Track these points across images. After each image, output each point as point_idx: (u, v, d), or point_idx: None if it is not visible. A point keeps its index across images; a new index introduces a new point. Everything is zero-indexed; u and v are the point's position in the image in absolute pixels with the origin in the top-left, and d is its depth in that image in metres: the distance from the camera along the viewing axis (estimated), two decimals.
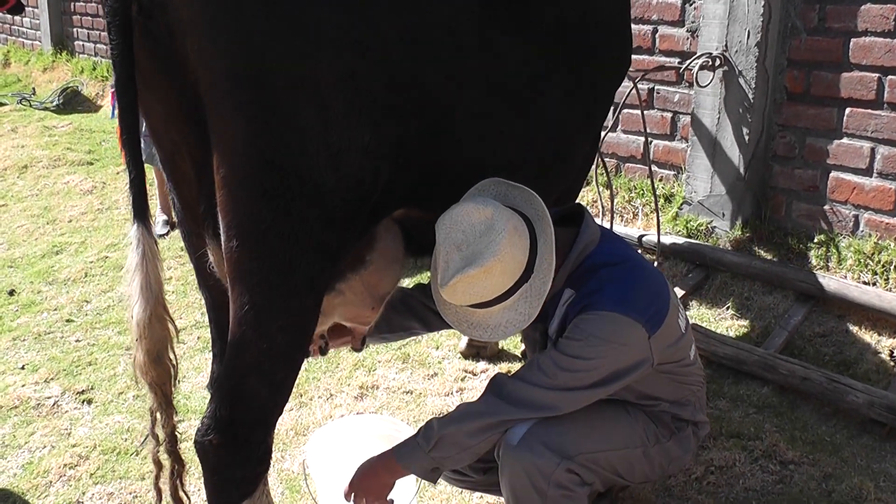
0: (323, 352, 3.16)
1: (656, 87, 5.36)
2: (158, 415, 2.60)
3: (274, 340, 2.47)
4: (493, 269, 2.52)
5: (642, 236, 5.21)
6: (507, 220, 2.54)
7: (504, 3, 2.72)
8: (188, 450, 3.63)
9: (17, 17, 11.70)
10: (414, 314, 3.19)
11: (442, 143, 2.67)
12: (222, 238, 2.41)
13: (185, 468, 2.69)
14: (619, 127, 5.63)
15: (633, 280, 2.68)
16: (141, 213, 2.43)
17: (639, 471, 2.85)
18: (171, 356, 2.55)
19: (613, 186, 5.21)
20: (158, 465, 2.65)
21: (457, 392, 4.18)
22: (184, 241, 2.96)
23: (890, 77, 4.38)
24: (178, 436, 2.68)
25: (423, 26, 2.51)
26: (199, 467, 2.62)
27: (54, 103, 10.22)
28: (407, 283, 4.66)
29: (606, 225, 4.91)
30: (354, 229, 2.56)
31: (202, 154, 2.42)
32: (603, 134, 5.46)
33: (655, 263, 4.90)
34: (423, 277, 4.96)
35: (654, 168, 5.36)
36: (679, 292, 4.77)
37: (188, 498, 2.73)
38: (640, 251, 4.66)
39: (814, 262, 4.69)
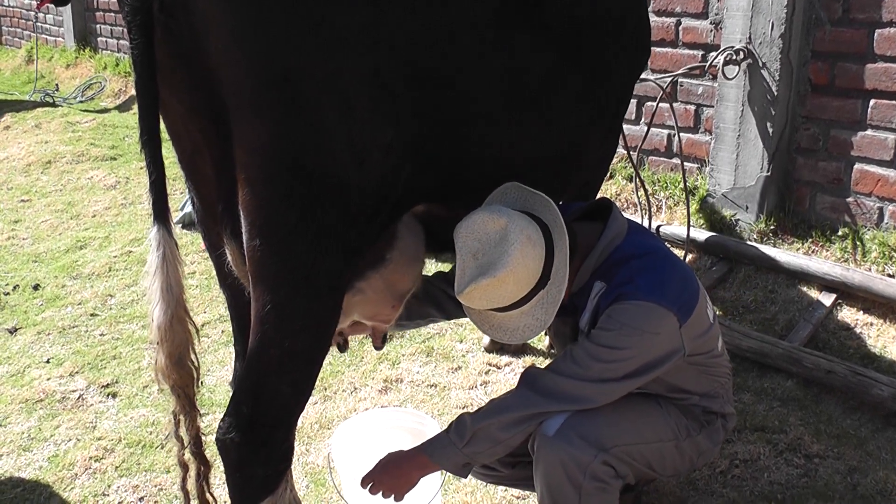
0: (341, 348, 3.16)
1: (680, 80, 5.33)
2: (182, 417, 2.60)
3: (295, 339, 2.46)
4: (505, 279, 2.52)
5: (660, 226, 5.20)
6: (521, 231, 2.54)
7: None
8: (213, 443, 3.67)
9: (41, 14, 11.75)
10: (433, 302, 3.18)
11: (462, 138, 2.66)
12: (245, 237, 2.40)
13: (210, 469, 2.69)
14: (643, 120, 5.61)
15: (662, 270, 2.68)
16: (161, 214, 2.42)
17: (670, 464, 2.85)
18: (193, 358, 2.55)
19: (638, 179, 5.19)
20: (184, 466, 2.65)
21: (481, 385, 4.18)
22: (203, 239, 2.96)
23: None
24: (203, 435, 2.68)
25: (444, 23, 2.50)
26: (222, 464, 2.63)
27: (77, 99, 10.28)
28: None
29: (637, 219, 4.90)
30: (376, 227, 2.56)
31: (222, 153, 2.41)
32: (627, 127, 5.46)
33: (682, 256, 4.88)
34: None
35: (678, 161, 5.34)
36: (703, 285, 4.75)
37: (215, 500, 2.73)
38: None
39: (838, 254, 4.66)
